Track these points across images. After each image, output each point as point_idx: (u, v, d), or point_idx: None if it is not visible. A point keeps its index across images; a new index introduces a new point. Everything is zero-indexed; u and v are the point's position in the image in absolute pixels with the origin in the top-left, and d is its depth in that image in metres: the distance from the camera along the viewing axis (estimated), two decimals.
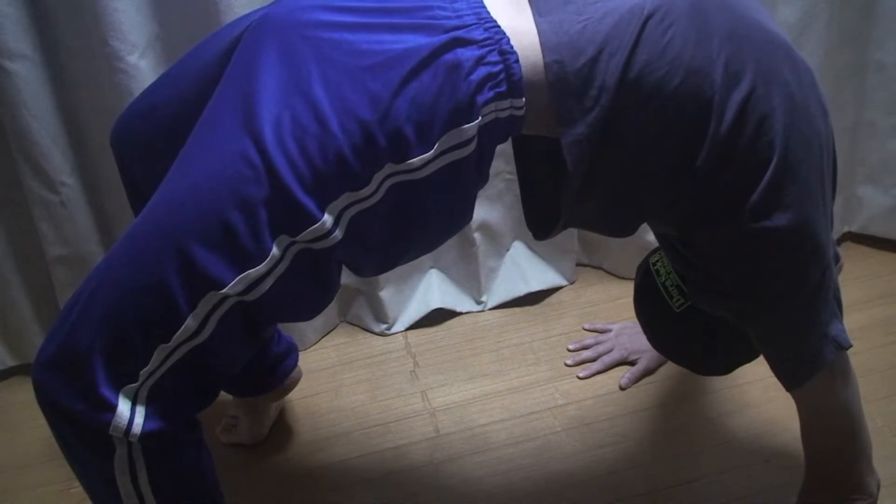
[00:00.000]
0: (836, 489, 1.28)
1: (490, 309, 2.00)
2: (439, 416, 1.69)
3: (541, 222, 1.21)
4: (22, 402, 1.78)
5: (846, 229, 2.11)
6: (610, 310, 1.97)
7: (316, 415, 1.72)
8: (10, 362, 1.86)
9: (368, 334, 1.96)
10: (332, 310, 1.96)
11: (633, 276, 1.39)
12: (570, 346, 1.86)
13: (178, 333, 0.97)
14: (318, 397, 1.77)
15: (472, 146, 0.99)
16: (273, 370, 1.56)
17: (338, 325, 1.99)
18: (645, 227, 1.23)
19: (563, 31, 1.00)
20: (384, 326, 1.95)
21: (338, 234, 0.98)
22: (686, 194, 1.06)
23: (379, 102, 0.95)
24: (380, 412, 1.72)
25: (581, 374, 1.77)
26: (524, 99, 1.00)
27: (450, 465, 1.58)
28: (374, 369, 1.85)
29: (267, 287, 0.97)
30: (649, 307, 1.35)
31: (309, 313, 1.11)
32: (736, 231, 1.06)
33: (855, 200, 2.07)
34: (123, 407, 0.98)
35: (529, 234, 1.23)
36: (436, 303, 1.97)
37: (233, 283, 0.96)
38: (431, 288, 1.99)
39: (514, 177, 1.23)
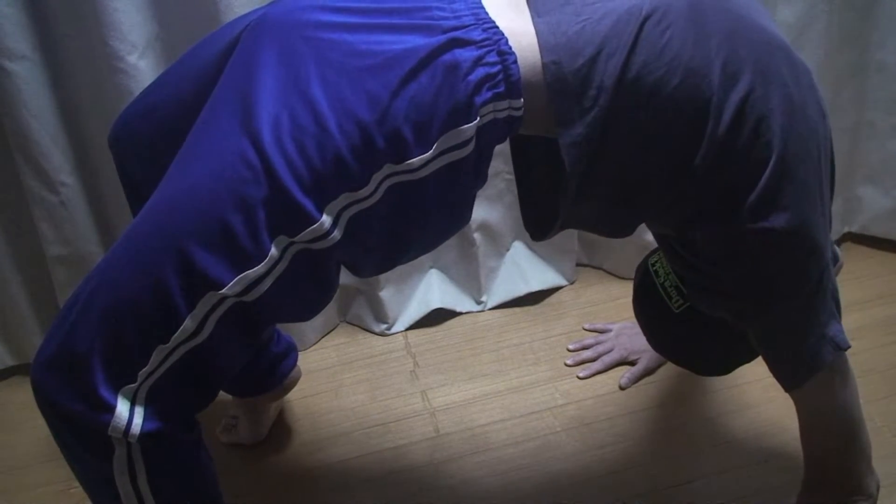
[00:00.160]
0: (836, 490, 1.27)
1: (490, 309, 2.00)
2: (439, 416, 1.69)
3: (539, 223, 1.22)
4: (22, 401, 1.78)
5: (846, 230, 2.11)
6: (610, 310, 1.96)
7: (316, 415, 1.72)
8: (9, 362, 1.86)
9: (368, 334, 1.96)
10: (332, 310, 1.96)
11: (633, 277, 1.39)
12: (570, 346, 1.86)
13: (176, 334, 0.97)
14: (318, 397, 1.77)
15: (471, 147, 0.99)
16: (272, 370, 1.56)
17: (338, 325, 1.99)
18: (644, 227, 1.23)
19: (561, 32, 1.00)
20: (384, 326, 1.94)
21: (336, 234, 0.98)
22: (684, 195, 1.06)
23: (377, 103, 0.95)
24: (380, 412, 1.72)
25: (581, 374, 1.77)
26: (522, 100, 1.00)
27: (450, 465, 1.58)
28: (374, 369, 1.85)
29: (266, 287, 0.97)
30: (648, 308, 1.35)
31: (308, 314, 1.11)
32: (734, 231, 1.06)
33: (855, 201, 2.07)
34: (122, 407, 0.98)
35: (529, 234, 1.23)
36: (436, 303, 1.97)
37: (231, 283, 0.96)
38: (431, 288, 1.99)
39: (514, 176, 1.23)
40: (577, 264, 2.09)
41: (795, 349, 1.15)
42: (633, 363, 1.77)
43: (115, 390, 0.98)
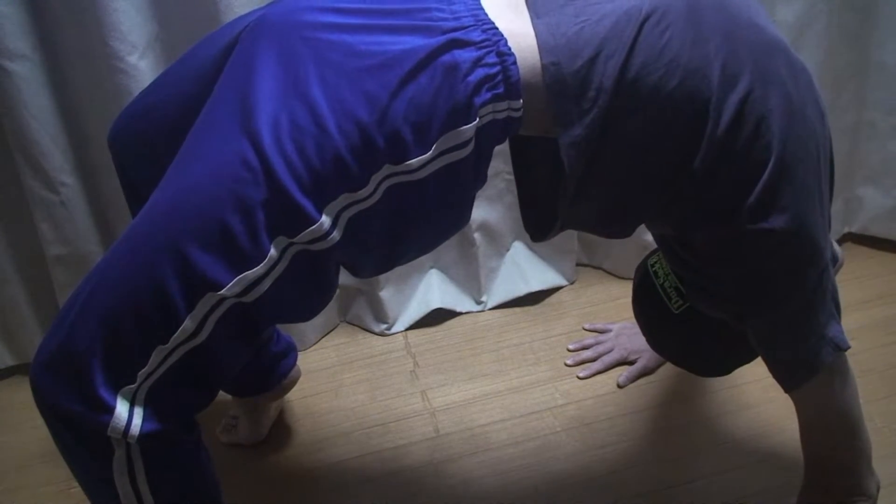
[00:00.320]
0: (836, 490, 1.27)
1: (490, 309, 2.00)
2: (439, 416, 1.69)
3: (538, 224, 1.21)
4: (22, 401, 1.78)
5: (846, 230, 2.11)
6: (610, 310, 1.97)
7: (316, 415, 1.72)
8: (9, 362, 1.87)
9: (368, 334, 1.96)
10: (332, 310, 1.96)
11: (633, 277, 1.39)
12: (570, 346, 1.86)
13: (176, 335, 0.97)
14: (318, 397, 1.77)
15: (470, 147, 0.99)
16: (272, 370, 1.56)
17: (338, 325, 1.99)
18: (644, 227, 1.23)
19: (560, 34, 1.00)
20: (384, 326, 1.95)
21: (336, 235, 0.98)
22: (683, 196, 1.06)
23: (377, 103, 0.95)
24: (380, 412, 1.72)
25: (581, 374, 1.77)
26: (521, 101, 1.00)
27: (450, 465, 1.58)
28: (374, 369, 1.85)
29: (265, 288, 0.97)
30: (648, 309, 1.35)
31: (307, 314, 1.11)
32: (733, 232, 1.06)
33: (855, 201, 2.07)
34: (121, 408, 0.98)
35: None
36: (436, 303, 1.97)
37: (231, 284, 0.96)
38: (431, 288, 1.99)
39: (514, 177, 1.23)
40: (577, 264, 2.09)
41: (795, 350, 1.15)
42: (632, 363, 1.77)
43: (115, 391, 0.98)
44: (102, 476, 1.02)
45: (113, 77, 1.54)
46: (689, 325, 1.27)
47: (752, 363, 1.31)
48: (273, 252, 0.96)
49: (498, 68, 0.98)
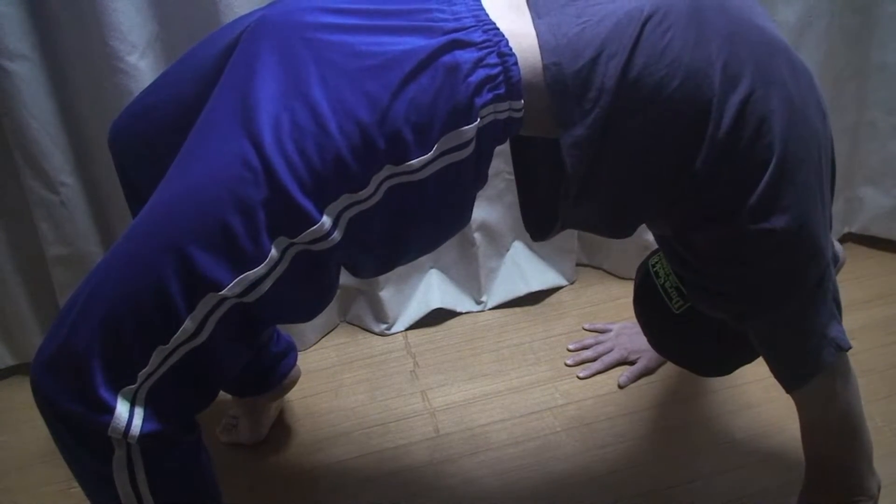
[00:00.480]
0: (837, 490, 1.27)
1: (490, 309, 2.00)
2: (439, 416, 1.69)
3: (539, 223, 1.21)
4: (22, 401, 1.78)
5: (847, 230, 2.11)
6: (610, 310, 1.97)
7: (316, 415, 1.72)
8: (9, 361, 1.86)
9: (368, 334, 1.96)
10: (332, 310, 1.96)
11: (633, 277, 1.39)
12: (570, 346, 1.86)
13: (176, 335, 0.97)
14: (318, 397, 1.77)
15: (471, 148, 0.99)
16: (272, 370, 1.56)
17: (338, 325, 1.99)
18: (644, 227, 1.23)
19: (561, 34, 1.00)
20: (384, 326, 1.95)
21: (336, 235, 0.98)
22: (685, 196, 1.06)
23: (377, 104, 0.94)
24: (380, 412, 1.72)
25: (581, 374, 1.77)
26: (523, 101, 1.00)
27: (450, 465, 1.58)
28: (374, 369, 1.85)
29: (266, 289, 0.97)
30: (649, 309, 1.35)
31: (308, 314, 1.11)
32: (735, 232, 1.06)
33: (856, 201, 2.07)
34: (122, 408, 0.98)
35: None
36: (436, 303, 1.97)
37: (231, 284, 0.95)
38: (431, 288, 1.99)
39: (514, 177, 1.23)
40: (577, 264, 2.09)
41: (797, 350, 1.15)
42: (633, 363, 1.77)
43: (115, 391, 0.98)
44: (102, 476, 1.02)
45: (113, 77, 1.53)
46: (690, 326, 1.27)
47: (753, 363, 1.31)
48: (274, 252, 0.96)
49: (499, 69, 0.98)
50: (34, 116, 1.57)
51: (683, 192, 1.06)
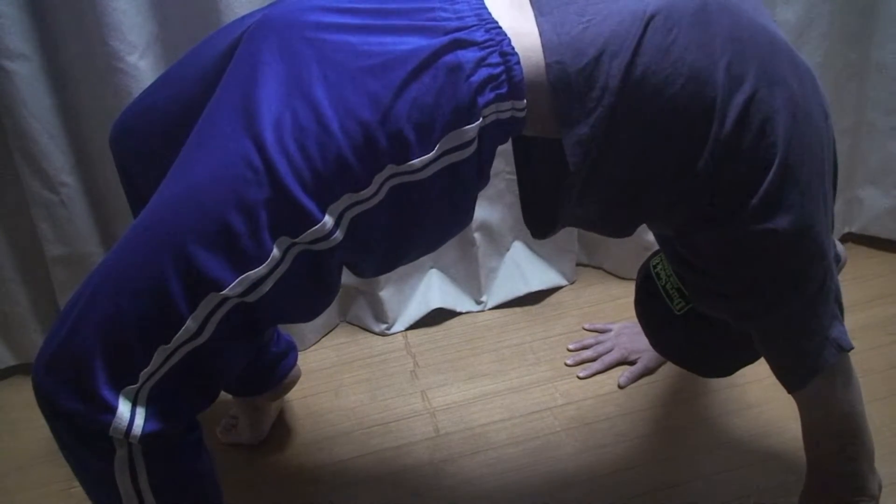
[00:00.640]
0: (838, 491, 1.27)
1: (490, 309, 2.00)
2: (439, 416, 1.69)
3: (540, 221, 1.21)
4: (22, 401, 1.78)
5: (847, 230, 2.11)
6: (610, 310, 1.97)
7: (316, 415, 1.72)
8: (10, 362, 1.86)
9: (368, 334, 1.96)
10: (332, 310, 1.96)
11: (633, 277, 1.39)
12: (570, 346, 1.86)
13: (178, 335, 0.97)
14: (318, 397, 1.77)
15: (473, 147, 0.99)
16: (272, 370, 1.56)
17: (338, 325, 1.99)
18: (645, 227, 1.23)
19: (564, 32, 1.00)
20: (384, 326, 1.95)
21: (338, 235, 0.98)
22: (687, 196, 1.06)
23: (379, 103, 0.94)
24: (380, 412, 1.72)
25: (581, 374, 1.77)
26: (525, 101, 1.00)
27: (450, 465, 1.58)
28: (374, 369, 1.85)
29: (267, 288, 0.97)
30: (650, 310, 1.35)
31: (310, 314, 1.11)
32: (737, 233, 1.06)
33: (855, 201, 2.07)
34: (123, 408, 0.98)
35: (529, 234, 1.23)
36: (436, 303, 1.97)
37: (233, 284, 0.95)
38: (431, 288, 1.99)
39: (514, 176, 1.23)
40: (577, 264, 2.09)
41: (798, 350, 1.15)
42: (633, 363, 1.77)
43: (117, 391, 0.97)
44: (104, 476, 1.02)
45: (113, 77, 1.53)
46: (692, 326, 1.27)
47: (753, 363, 1.31)
48: (275, 252, 0.96)
49: (501, 68, 0.98)
50: (34, 116, 1.57)
51: (686, 191, 1.06)
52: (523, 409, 1.70)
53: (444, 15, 0.98)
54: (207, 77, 1.09)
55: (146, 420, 0.99)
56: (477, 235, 1.91)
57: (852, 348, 1.16)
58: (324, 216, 0.95)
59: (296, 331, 1.84)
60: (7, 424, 1.74)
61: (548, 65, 0.99)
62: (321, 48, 0.98)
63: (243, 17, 1.13)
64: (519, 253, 2.03)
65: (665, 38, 0.99)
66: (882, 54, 1.87)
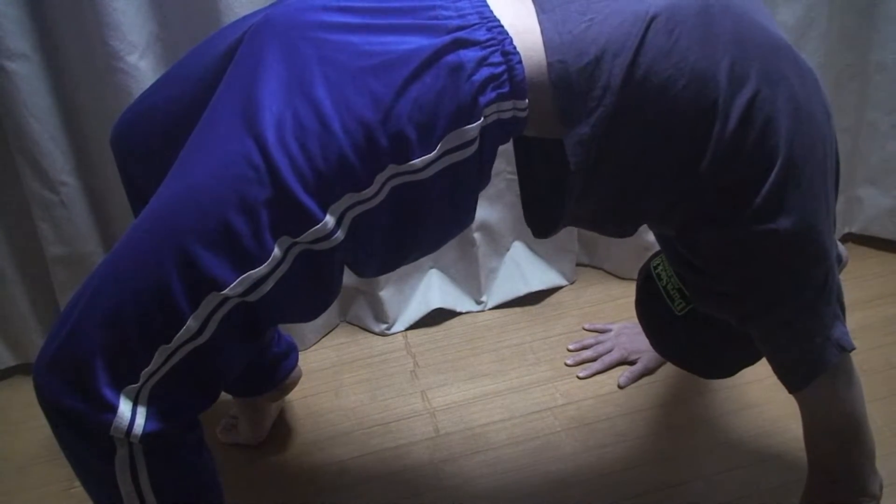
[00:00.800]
0: (840, 491, 1.27)
1: (490, 309, 2.00)
2: (439, 416, 1.69)
3: (541, 221, 1.21)
4: (22, 401, 1.78)
5: (847, 230, 2.11)
6: (610, 310, 1.97)
7: (316, 415, 1.72)
8: (10, 362, 1.86)
9: (368, 334, 1.96)
10: (332, 310, 1.95)
11: (634, 277, 1.39)
12: (570, 346, 1.86)
13: (179, 334, 0.97)
14: (318, 397, 1.77)
15: (474, 147, 0.99)
16: (273, 370, 1.56)
17: (338, 325, 1.99)
18: (645, 227, 1.23)
19: (566, 31, 1.00)
20: (384, 326, 1.94)
21: (339, 234, 0.98)
22: (689, 196, 1.06)
23: (381, 103, 0.94)
24: (380, 412, 1.72)
25: (581, 374, 1.77)
26: (527, 100, 1.00)
27: (450, 465, 1.58)
28: (374, 369, 1.84)
29: (268, 288, 0.97)
30: (651, 311, 1.35)
31: (311, 314, 1.11)
32: (739, 233, 1.06)
33: (855, 201, 2.07)
34: (124, 407, 0.98)
35: (529, 234, 1.23)
36: (436, 303, 1.97)
37: (234, 283, 0.95)
38: (431, 288, 1.99)
39: (515, 176, 1.23)
40: (577, 264, 2.09)
41: (800, 351, 1.14)
42: (633, 363, 1.77)
43: (118, 390, 0.97)
44: (105, 476, 1.02)
45: (113, 77, 1.53)
46: (692, 327, 1.27)
47: (754, 364, 1.31)
48: (277, 251, 0.96)
49: (503, 68, 0.97)
50: (34, 116, 1.57)
51: (687, 191, 1.06)
52: (523, 409, 1.70)
53: (445, 13, 0.98)
54: (208, 77, 1.09)
55: (147, 419, 0.99)
56: (477, 235, 1.91)
57: (854, 349, 1.15)
58: (325, 216, 0.95)
59: (296, 331, 1.84)
60: (7, 424, 1.74)
61: (549, 64, 0.99)
62: (322, 48, 0.98)
63: (244, 18, 1.13)
64: (519, 253, 2.03)
65: (667, 38, 0.99)
66: (882, 54, 1.87)
